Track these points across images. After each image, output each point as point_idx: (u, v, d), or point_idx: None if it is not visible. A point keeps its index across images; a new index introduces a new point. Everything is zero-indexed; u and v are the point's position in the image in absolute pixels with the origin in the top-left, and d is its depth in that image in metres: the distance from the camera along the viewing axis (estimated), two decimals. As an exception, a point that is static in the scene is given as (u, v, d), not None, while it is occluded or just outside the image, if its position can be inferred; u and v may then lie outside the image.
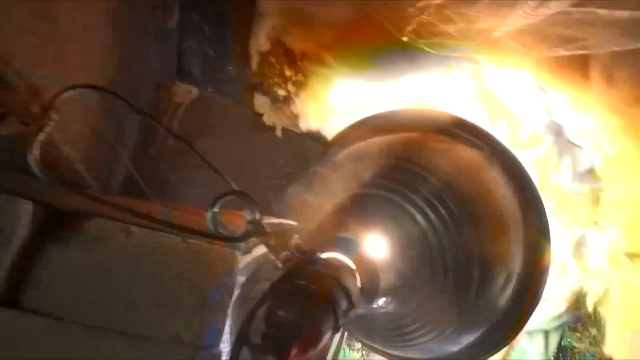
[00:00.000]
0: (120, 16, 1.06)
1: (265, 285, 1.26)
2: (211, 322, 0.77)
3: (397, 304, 0.57)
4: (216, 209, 0.50)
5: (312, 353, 0.45)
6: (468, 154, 0.57)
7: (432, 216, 0.53)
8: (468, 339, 0.58)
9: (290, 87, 1.26)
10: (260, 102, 1.40)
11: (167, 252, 0.78)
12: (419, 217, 0.54)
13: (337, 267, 0.51)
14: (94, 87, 0.57)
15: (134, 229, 0.77)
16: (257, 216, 0.50)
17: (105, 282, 0.75)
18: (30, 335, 0.73)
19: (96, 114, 0.93)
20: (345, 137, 0.68)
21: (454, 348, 0.61)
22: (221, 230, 0.51)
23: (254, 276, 1.36)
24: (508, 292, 0.60)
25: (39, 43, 0.76)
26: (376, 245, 0.55)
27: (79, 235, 0.76)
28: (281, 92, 1.31)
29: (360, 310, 0.55)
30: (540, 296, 0.62)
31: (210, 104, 1.52)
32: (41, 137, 0.50)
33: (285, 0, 0.93)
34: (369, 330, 0.63)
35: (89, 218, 0.77)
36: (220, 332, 0.78)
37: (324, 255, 0.51)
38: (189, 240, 0.78)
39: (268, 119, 1.43)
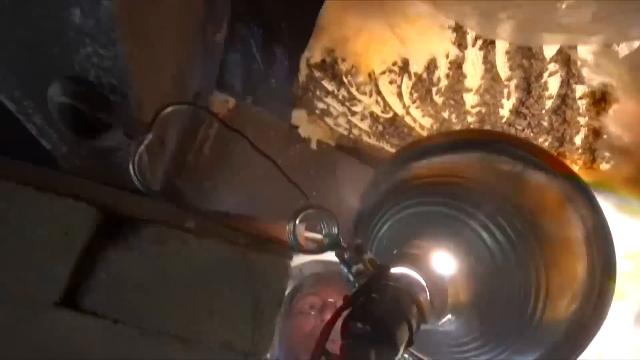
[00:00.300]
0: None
1: (311, 299, 1.27)
2: (262, 331, 0.79)
3: (460, 322, 0.58)
4: (297, 222, 0.52)
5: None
6: (537, 179, 0.58)
7: (499, 235, 0.55)
8: (542, 349, 0.58)
9: (330, 101, 1.29)
10: (297, 115, 1.43)
11: (221, 259, 0.80)
12: (485, 235, 0.55)
13: (409, 282, 0.52)
14: (190, 104, 0.59)
15: (189, 236, 0.79)
16: (335, 230, 0.52)
17: (161, 287, 0.77)
18: (87, 336, 0.75)
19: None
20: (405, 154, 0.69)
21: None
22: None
23: (296, 290, 1.38)
24: (565, 323, 0.60)
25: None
26: (443, 262, 0.56)
27: (139, 240, 0.79)
28: (320, 105, 1.34)
29: (427, 326, 0.56)
30: (594, 335, 0.61)
31: (248, 116, 1.55)
32: (141, 150, 0.52)
33: (355, 16, 0.95)
34: (426, 348, 0.64)
35: (147, 224, 0.80)
36: (269, 341, 0.80)
37: (395, 270, 0.53)
38: (244, 250, 0.80)
39: (304, 131, 1.46)
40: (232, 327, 0.77)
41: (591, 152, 1.01)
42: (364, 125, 1.34)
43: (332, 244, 0.51)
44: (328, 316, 1.20)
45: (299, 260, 1.36)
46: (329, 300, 1.27)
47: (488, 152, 0.63)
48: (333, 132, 1.54)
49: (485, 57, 0.92)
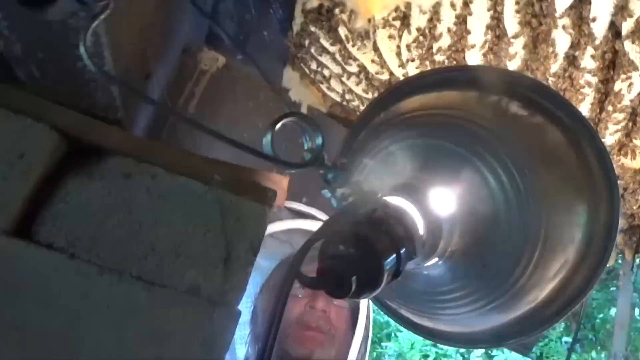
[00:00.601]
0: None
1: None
2: (233, 278, 0.72)
3: (445, 268, 0.53)
4: (276, 130, 0.46)
5: (371, 294, 0.41)
6: (553, 133, 0.53)
7: (506, 183, 0.49)
8: (518, 312, 0.53)
9: (325, 59, 1.22)
10: (289, 76, 1.36)
11: (194, 199, 0.73)
12: (491, 180, 0.50)
13: (402, 212, 0.46)
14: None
15: (160, 171, 0.72)
16: (319, 142, 0.45)
17: (125, 223, 0.70)
18: (39, 270, 0.68)
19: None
20: (404, 87, 0.63)
21: (487, 325, 0.57)
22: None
23: (285, 264, 1.29)
24: (558, 280, 0.55)
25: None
26: (441, 199, 0.50)
27: (104, 171, 0.72)
28: (313, 66, 1.27)
29: (413, 264, 0.50)
30: (587, 293, 0.57)
31: (237, 74, 1.48)
32: (95, 24, 0.45)
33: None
34: (401, 291, 0.58)
35: (115, 155, 0.72)
36: (241, 290, 0.73)
37: (388, 199, 0.47)
38: (220, 190, 0.74)
39: (295, 94, 1.39)
40: (201, 272, 0.71)
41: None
42: (359, 89, 1.27)
43: (314, 160, 0.45)
44: (320, 304, 1.12)
45: (289, 232, 1.22)
46: None
47: (497, 93, 0.57)
48: (326, 99, 1.48)
49: (493, 8, 0.86)
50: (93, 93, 0.65)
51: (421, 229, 0.47)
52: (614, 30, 0.87)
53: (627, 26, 0.84)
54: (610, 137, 0.99)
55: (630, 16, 0.79)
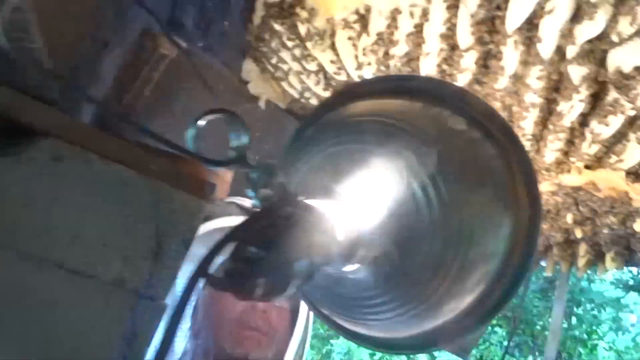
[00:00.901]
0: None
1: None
2: (161, 272, 0.71)
3: (368, 273, 0.53)
4: (200, 125, 0.45)
5: (279, 298, 0.40)
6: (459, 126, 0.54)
7: (432, 195, 0.50)
8: (438, 320, 0.54)
9: (285, 55, 1.21)
10: (249, 68, 1.34)
11: (127, 188, 0.71)
12: (418, 191, 0.50)
13: (320, 216, 0.46)
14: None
15: (94, 156, 0.70)
16: (245, 141, 0.44)
17: (51, 209, 0.67)
18: (-46, 253, 0.65)
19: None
20: (356, 89, 0.64)
21: (410, 332, 0.58)
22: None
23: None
24: (479, 291, 0.57)
25: None
26: (366, 206, 0.50)
27: (32, 153, 0.69)
28: (273, 60, 1.26)
29: (331, 269, 0.50)
30: (507, 303, 0.58)
31: (196, 62, 1.44)
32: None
33: None
34: (329, 296, 0.58)
35: (46, 136, 0.69)
36: (169, 285, 0.72)
37: (309, 202, 0.47)
38: (154, 181, 0.72)
39: (254, 87, 1.37)
40: (128, 263, 0.69)
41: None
42: (318, 88, 1.27)
43: (237, 159, 0.44)
44: (261, 304, 1.10)
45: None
46: None
47: (437, 105, 0.58)
48: (285, 95, 1.46)
49: (449, 21, 0.87)
50: (25, 69, 0.62)
51: (340, 234, 0.47)
52: (561, 53, 0.90)
53: (572, 50, 0.87)
54: (550, 154, 1.03)
55: (574, 43, 0.82)
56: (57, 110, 0.73)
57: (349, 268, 0.52)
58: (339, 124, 0.60)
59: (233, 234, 0.41)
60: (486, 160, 0.58)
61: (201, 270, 0.39)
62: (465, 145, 0.58)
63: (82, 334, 0.65)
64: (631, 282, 6.34)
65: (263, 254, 0.40)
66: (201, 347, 1.12)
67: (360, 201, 0.51)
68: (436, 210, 0.51)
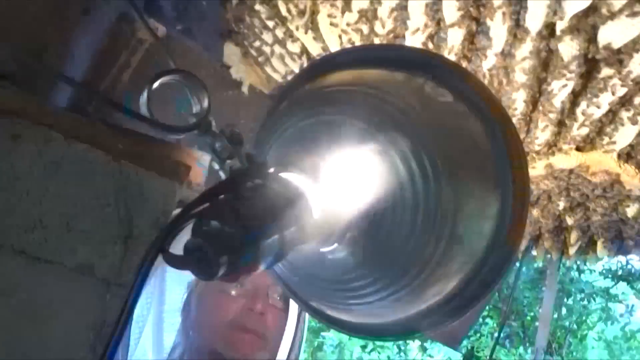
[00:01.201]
0: None
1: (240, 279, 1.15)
2: (133, 258, 0.67)
3: (351, 251, 0.49)
4: (154, 88, 0.40)
5: (246, 276, 0.37)
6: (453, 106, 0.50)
7: (416, 170, 0.46)
8: (422, 306, 0.51)
9: (267, 37, 1.16)
10: (230, 52, 1.29)
11: (94, 169, 0.67)
12: (400, 166, 0.47)
13: (293, 190, 0.42)
14: None
15: (57, 135, 0.65)
16: (205, 106, 0.40)
17: (10, 190, 0.63)
18: None
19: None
20: (336, 58, 0.60)
21: (394, 317, 0.54)
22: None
23: None
24: (464, 273, 0.53)
25: None
26: (343, 181, 0.46)
27: (-12, 130, 0.64)
28: (256, 44, 1.21)
29: (308, 248, 0.47)
30: (494, 287, 0.55)
31: (175, 46, 1.40)
32: None
33: None
34: (311, 281, 0.55)
35: (4, 114, 0.65)
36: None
37: (281, 175, 0.43)
38: (123, 161, 0.68)
39: (236, 71, 1.32)
40: (95, 249, 0.65)
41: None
42: (302, 72, 1.22)
43: (197, 125, 0.40)
44: (259, 306, 1.05)
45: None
46: (266, 286, 1.05)
47: (421, 77, 0.54)
48: (270, 80, 1.42)
49: (433, -5, 0.83)
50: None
51: (316, 211, 0.43)
52: (551, 29, 0.86)
53: (561, 25, 0.83)
54: (541, 135, 1.00)
55: (562, 18, 0.79)
56: (17, 88, 0.68)
57: (326, 248, 0.48)
58: (315, 94, 0.56)
59: (191, 206, 0.37)
60: (472, 135, 0.54)
61: (156, 245, 0.35)
62: (450, 119, 0.54)
63: (44, 322, 0.61)
64: (620, 272, 6.40)
65: (226, 229, 0.36)
66: (194, 344, 1.08)
67: (338, 176, 0.48)
68: (419, 187, 0.48)
